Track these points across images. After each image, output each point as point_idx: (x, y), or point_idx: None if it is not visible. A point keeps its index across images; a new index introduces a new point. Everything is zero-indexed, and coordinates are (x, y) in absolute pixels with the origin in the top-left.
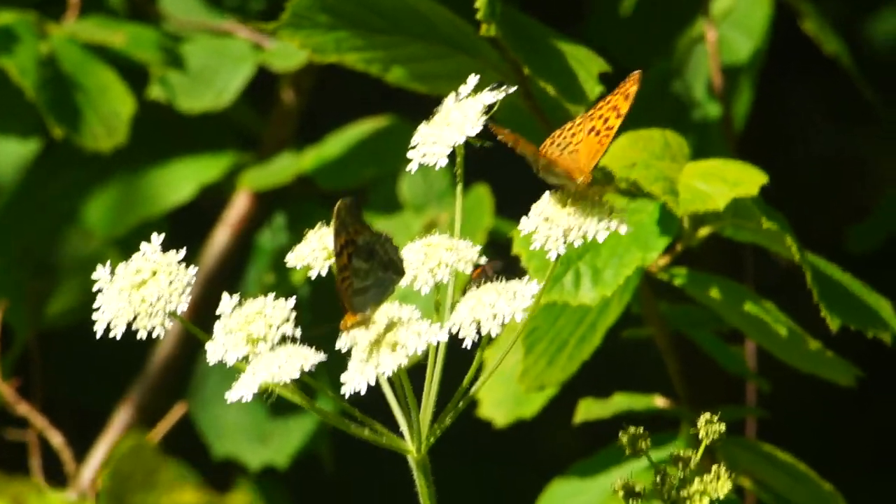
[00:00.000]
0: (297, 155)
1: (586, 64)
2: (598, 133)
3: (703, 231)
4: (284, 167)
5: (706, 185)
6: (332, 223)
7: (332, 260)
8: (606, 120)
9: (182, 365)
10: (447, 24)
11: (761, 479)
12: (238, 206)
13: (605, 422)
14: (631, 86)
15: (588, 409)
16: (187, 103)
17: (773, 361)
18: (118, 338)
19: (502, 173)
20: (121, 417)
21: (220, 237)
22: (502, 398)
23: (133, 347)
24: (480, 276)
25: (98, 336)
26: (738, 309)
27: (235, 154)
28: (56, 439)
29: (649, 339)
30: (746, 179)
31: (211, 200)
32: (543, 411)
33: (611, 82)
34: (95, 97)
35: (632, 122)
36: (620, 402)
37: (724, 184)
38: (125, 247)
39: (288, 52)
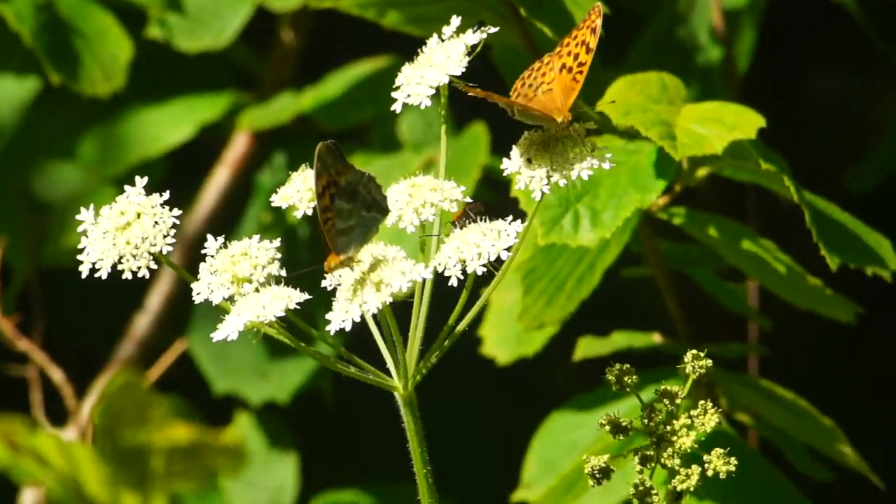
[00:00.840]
0: (297, 95)
1: (583, 4)
2: (570, 70)
3: (702, 171)
4: (284, 107)
5: (704, 128)
6: (314, 164)
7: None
8: (577, 56)
9: (182, 301)
10: None
11: (762, 415)
12: (237, 145)
13: (607, 360)
14: (595, 18)
15: (588, 347)
16: (186, 43)
17: (774, 300)
18: (104, 278)
19: (502, 111)
20: (122, 353)
21: (220, 176)
22: (505, 336)
23: (134, 285)
24: (462, 217)
25: (83, 277)
26: (737, 247)
27: (234, 94)
28: (56, 375)
29: (650, 277)
30: (744, 122)
31: (210, 140)
32: (546, 350)
33: (614, 26)
34: (93, 42)
35: (636, 68)
36: (620, 339)
37: (721, 127)
38: (124, 186)
39: None
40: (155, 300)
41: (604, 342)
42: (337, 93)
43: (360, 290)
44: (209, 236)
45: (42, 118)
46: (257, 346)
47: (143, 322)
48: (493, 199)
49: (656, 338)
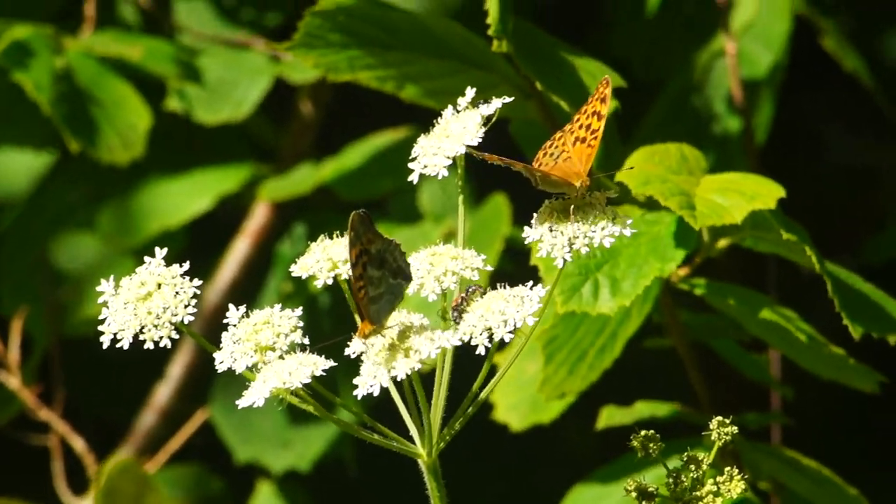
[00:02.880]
0: (316, 166)
1: (599, 77)
2: (584, 140)
3: (723, 242)
4: (304, 178)
5: (724, 198)
6: (348, 234)
7: (336, 270)
8: (589, 126)
9: (203, 371)
10: (459, 40)
11: (785, 484)
12: (258, 216)
13: (627, 428)
14: (604, 89)
15: (611, 416)
16: (205, 115)
17: (797, 369)
18: (125, 349)
19: (522, 181)
20: (143, 422)
21: (240, 247)
22: (517, 402)
23: (154, 355)
24: (461, 300)
25: (105, 347)
26: (758, 317)
27: (253, 165)
28: (78, 444)
29: (672, 348)
30: (764, 192)
31: (230, 211)
32: (564, 416)
33: (628, 96)
34: (112, 111)
35: (651, 136)
36: (642, 409)
37: (741, 197)
38: (145, 257)
39: (305, 65)
40: (176, 370)
41: (626, 411)
42: (356, 164)
43: (389, 356)
44: (231, 306)
45: (61, 189)
46: (278, 414)
47: (164, 391)
48: (513, 269)
49: (679, 408)
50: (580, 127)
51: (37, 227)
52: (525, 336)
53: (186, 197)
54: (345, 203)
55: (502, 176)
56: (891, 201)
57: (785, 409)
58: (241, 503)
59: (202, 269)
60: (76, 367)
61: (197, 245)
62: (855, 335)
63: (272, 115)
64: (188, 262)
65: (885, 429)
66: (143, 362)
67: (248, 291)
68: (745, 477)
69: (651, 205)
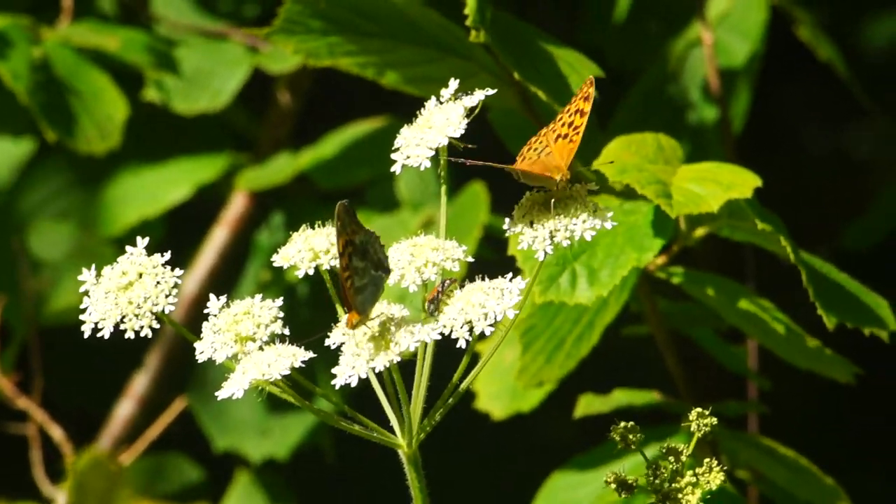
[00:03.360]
0: (294, 155)
1: (578, 68)
2: (566, 137)
3: (700, 231)
4: (282, 167)
5: (700, 187)
6: (335, 224)
7: (318, 261)
8: (572, 123)
9: (181, 359)
10: (439, 28)
11: (763, 473)
12: (236, 205)
13: (605, 415)
14: (588, 87)
15: (588, 405)
16: (183, 105)
17: (775, 359)
18: (106, 338)
19: (499, 170)
20: (122, 411)
21: (219, 236)
22: (499, 391)
23: (133, 344)
24: (436, 295)
25: (86, 336)
26: (735, 307)
27: (231, 155)
28: (56, 433)
29: (652, 336)
30: (740, 182)
31: (208, 201)
32: (543, 405)
33: (604, 86)
34: (89, 101)
35: (627, 126)
36: (620, 397)
37: (717, 186)
38: (124, 246)
39: (283, 55)
40: (154, 359)
41: (604, 400)
42: (334, 153)
43: (369, 347)
44: (212, 296)
45: (39, 178)
46: (257, 403)
47: (142, 380)
48: (493, 257)
49: (656, 396)
50: (563, 125)
51: (14, 216)
52: (505, 328)
53: (164, 186)
54: (323, 192)
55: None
56: (868, 190)
57: (763, 398)
58: (219, 492)
59: (180, 258)
60: (54, 356)
61: (175, 235)
62: (829, 325)
63: (250, 106)
64: (168, 252)
65: (863, 419)
66: (122, 351)
67: (226, 281)
68: (724, 468)
69: (628, 194)
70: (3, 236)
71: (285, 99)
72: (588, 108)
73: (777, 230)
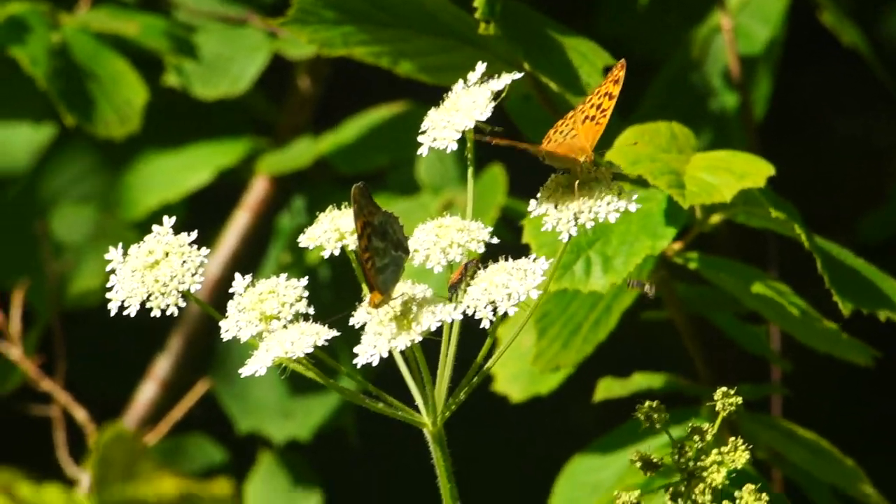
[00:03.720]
0: (315, 140)
1: (591, 57)
2: (593, 118)
3: (716, 218)
4: (302, 151)
5: (713, 176)
6: (352, 206)
7: (344, 241)
8: (600, 106)
9: (206, 341)
10: (453, 17)
11: (784, 455)
12: (257, 189)
13: (626, 399)
14: (619, 71)
15: (608, 388)
16: (203, 91)
17: (798, 342)
18: (132, 316)
19: (518, 152)
20: (145, 393)
21: (240, 220)
22: (517, 374)
23: (155, 326)
24: (460, 278)
25: (112, 314)
26: (751, 291)
27: (252, 140)
28: (80, 415)
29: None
30: (753, 171)
31: (228, 186)
32: (566, 389)
33: (626, 76)
34: (108, 86)
35: (650, 115)
36: (640, 381)
37: (730, 175)
38: (145, 230)
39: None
40: (177, 341)
41: (624, 383)
42: (354, 137)
43: (391, 327)
44: (237, 275)
45: (61, 163)
46: (279, 384)
47: (165, 362)
48: (511, 239)
49: (676, 379)
50: (591, 106)
51: (37, 200)
52: (528, 308)
53: (185, 171)
54: (343, 176)
55: (498, 147)
56: (889, 176)
57: (786, 381)
58: (242, 473)
59: (202, 242)
60: (77, 338)
61: (196, 219)
62: (844, 311)
63: (270, 91)
64: (195, 232)
65: (885, 400)
66: (145, 334)
67: (248, 264)
68: (749, 447)
69: (643, 182)
70: (26, 220)
71: (305, 84)
72: (617, 91)
73: (791, 218)
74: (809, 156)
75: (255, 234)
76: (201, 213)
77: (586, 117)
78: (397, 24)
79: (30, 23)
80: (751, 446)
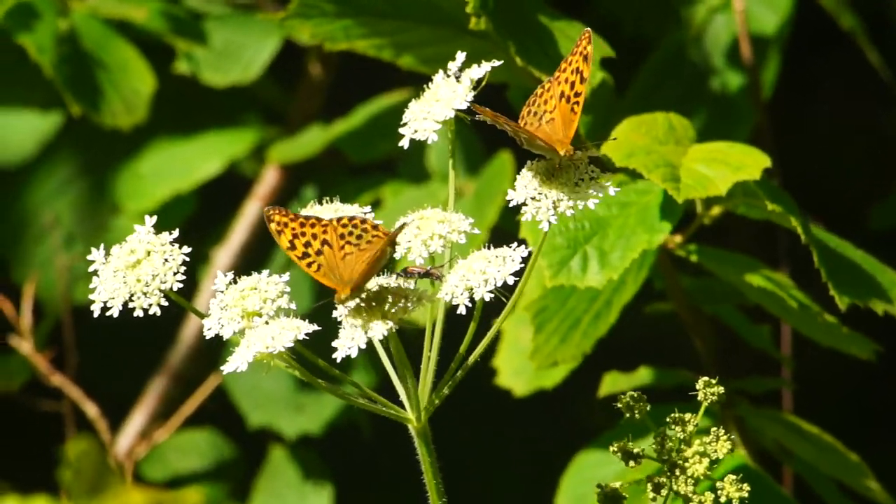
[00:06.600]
0: (326, 128)
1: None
2: (568, 100)
3: (716, 210)
4: (313, 139)
5: (709, 169)
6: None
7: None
8: (573, 84)
9: (217, 335)
10: (453, 7)
11: (790, 450)
12: (268, 179)
13: None
14: (586, 45)
15: (613, 383)
16: (214, 78)
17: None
18: (115, 317)
19: None
20: (156, 387)
21: (251, 210)
22: (520, 368)
23: (168, 320)
24: (414, 272)
25: (95, 315)
26: (751, 283)
27: (263, 128)
28: (91, 409)
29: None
30: (750, 163)
31: (239, 176)
32: (573, 385)
33: (619, 54)
34: (116, 74)
35: (646, 92)
36: (645, 375)
37: (727, 168)
38: (157, 220)
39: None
40: (188, 334)
41: (629, 378)
42: (364, 125)
43: (367, 318)
44: (219, 272)
45: (70, 152)
46: (291, 378)
47: (177, 356)
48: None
49: (682, 374)
50: (565, 81)
51: (46, 192)
52: (514, 299)
53: (196, 161)
54: (354, 165)
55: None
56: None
57: (799, 374)
58: (254, 468)
59: (212, 232)
60: (89, 332)
61: (207, 209)
62: (841, 305)
63: (282, 78)
64: (196, 227)
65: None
66: (156, 327)
67: (259, 255)
68: (731, 437)
69: (640, 175)
70: (35, 211)
71: (316, 71)
72: (588, 71)
73: (788, 210)
74: (818, 143)
75: (266, 225)
76: (212, 204)
77: (561, 94)
78: (396, 15)
79: (38, 9)
80: (732, 436)
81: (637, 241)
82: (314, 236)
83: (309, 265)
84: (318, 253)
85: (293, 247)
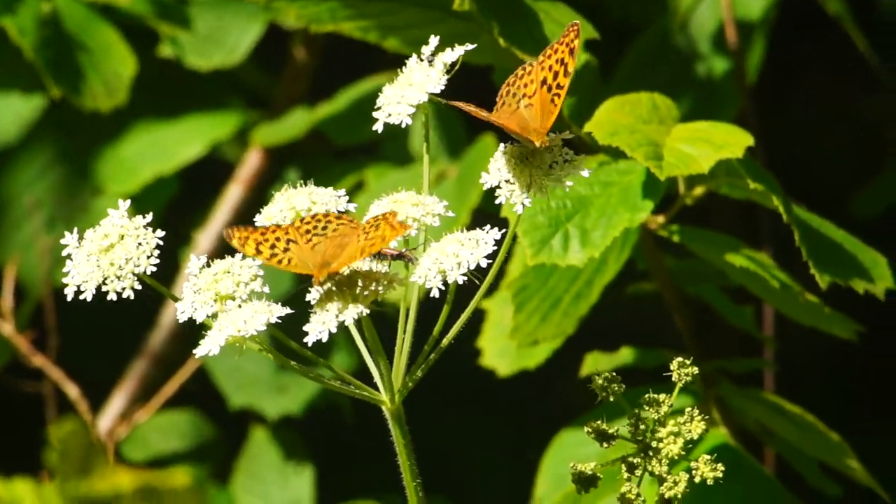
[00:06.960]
0: (309, 111)
1: (565, 24)
2: (549, 89)
3: (699, 190)
4: (297, 122)
5: (692, 148)
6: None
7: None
8: (556, 74)
9: None
10: None
11: (772, 430)
12: (250, 162)
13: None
14: (573, 38)
15: (595, 363)
16: (197, 61)
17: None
18: (88, 300)
19: None
20: (137, 369)
21: (233, 193)
22: (504, 348)
23: (148, 302)
24: (386, 254)
25: (69, 299)
26: (732, 263)
27: (246, 112)
28: (72, 391)
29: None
30: (732, 142)
31: (221, 159)
32: (557, 364)
33: (605, 38)
34: (98, 57)
35: (632, 77)
36: (627, 355)
37: (709, 147)
38: (139, 203)
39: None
40: (169, 317)
41: (611, 357)
42: (348, 107)
43: (338, 301)
44: (192, 256)
45: (52, 135)
46: (272, 360)
47: (157, 338)
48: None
49: (664, 354)
50: (549, 69)
51: (28, 175)
52: (488, 281)
53: (178, 144)
54: (338, 148)
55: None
56: (881, 148)
57: (781, 354)
58: (235, 449)
59: (195, 215)
60: (70, 314)
61: (189, 192)
62: (822, 284)
63: (266, 63)
64: (178, 210)
65: (874, 373)
66: (137, 310)
67: None
68: (706, 417)
69: (623, 154)
70: (17, 194)
71: (301, 55)
72: (572, 65)
73: (770, 189)
74: (802, 128)
75: (248, 208)
76: (195, 187)
77: (543, 80)
78: None
79: None
80: (707, 416)
81: (619, 219)
82: (278, 239)
83: (279, 262)
84: (286, 251)
85: (259, 252)
